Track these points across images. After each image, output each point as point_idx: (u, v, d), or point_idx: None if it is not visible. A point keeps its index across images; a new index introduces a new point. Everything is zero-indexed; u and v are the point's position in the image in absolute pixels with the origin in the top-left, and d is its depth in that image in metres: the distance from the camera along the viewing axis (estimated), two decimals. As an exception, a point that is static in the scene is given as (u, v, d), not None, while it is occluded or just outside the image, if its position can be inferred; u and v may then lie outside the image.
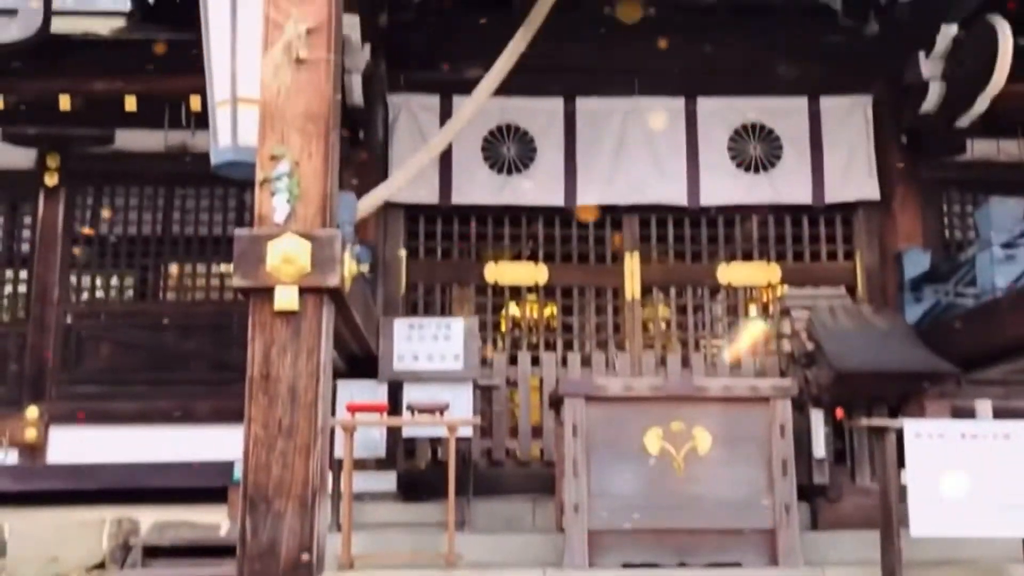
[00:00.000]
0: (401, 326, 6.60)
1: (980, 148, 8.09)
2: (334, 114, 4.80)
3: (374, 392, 6.51)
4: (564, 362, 7.73)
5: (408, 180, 6.56)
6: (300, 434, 4.48)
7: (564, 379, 6.43)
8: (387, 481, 6.99)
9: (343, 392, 6.47)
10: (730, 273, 8.12)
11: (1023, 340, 5.89)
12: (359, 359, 6.52)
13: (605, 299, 8.11)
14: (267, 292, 4.55)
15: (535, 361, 7.72)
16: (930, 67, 7.48)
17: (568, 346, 8.03)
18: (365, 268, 4.98)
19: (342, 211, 6.12)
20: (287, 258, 4.54)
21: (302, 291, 4.54)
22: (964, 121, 7.37)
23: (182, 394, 7.69)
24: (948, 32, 7.32)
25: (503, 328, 8.09)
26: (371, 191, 6.44)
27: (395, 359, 6.54)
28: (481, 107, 6.44)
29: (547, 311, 8.16)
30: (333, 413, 6.19)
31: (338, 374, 6.53)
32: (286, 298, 4.54)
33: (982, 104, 7.11)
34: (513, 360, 7.66)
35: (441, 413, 6.07)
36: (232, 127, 5.71)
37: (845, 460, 7.05)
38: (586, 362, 7.79)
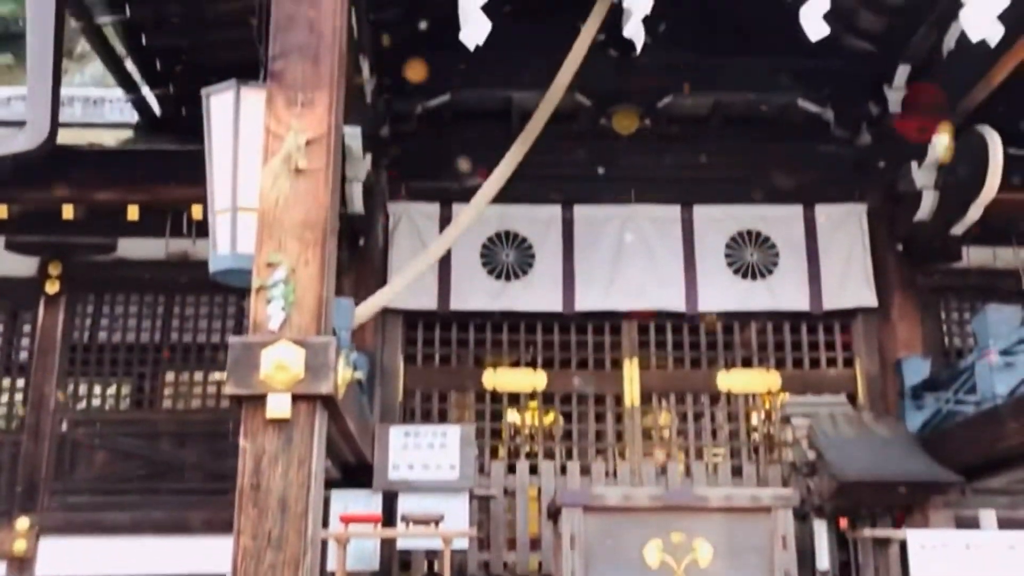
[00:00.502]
0: (397, 434, 6.54)
1: (976, 255, 8.15)
2: (331, 222, 4.85)
3: (368, 502, 6.42)
4: (563, 471, 7.65)
5: (406, 286, 6.59)
6: (290, 546, 4.38)
7: (562, 489, 6.33)
8: (381, 593, 6.83)
9: (337, 502, 6.39)
10: (730, 380, 8.08)
11: (1025, 448, 5.83)
12: (353, 467, 6.45)
13: (605, 406, 8.06)
14: (259, 400, 4.51)
15: (533, 470, 7.63)
16: (922, 176, 7.59)
17: (567, 454, 7.94)
18: (360, 375, 4.96)
19: (339, 317, 6.15)
20: (280, 365, 4.52)
21: (295, 399, 4.50)
22: (958, 229, 7.43)
23: (176, 504, 7.57)
24: (939, 142, 7.44)
25: (502, 436, 8.01)
26: (369, 297, 6.46)
27: (390, 468, 6.46)
28: (479, 214, 6.51)
29: (546, 418, 8.08)
30: (326, 524, 6.11)
31: (332, 483, 6.46)
32: (278, 406, 4.50)
33: (975, 212, 7.17)
34: (511, 469, 7.57)
35: (436, 524, 5.97)
36: (232, 235, 5.77)
37: (850, 572, 6.93)
38: (586, 471, 7.70)
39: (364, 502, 6.40)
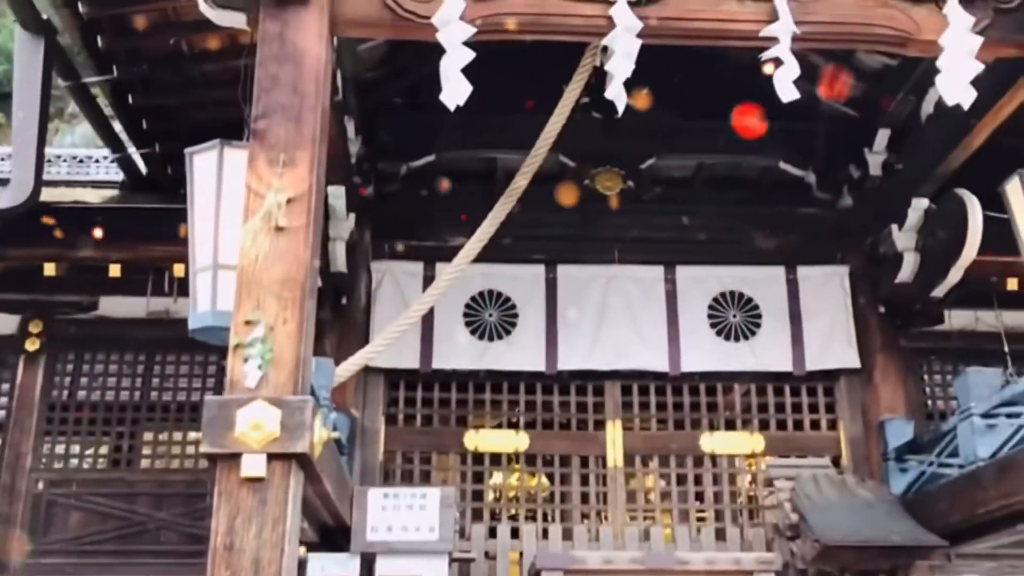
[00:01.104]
0: (375, 496, 6.46)
1: (959, 318, 8.18)
2: (311, 281, 4.85)
3: (346, 565, 6.31)
4: (545, 534, 7.54)
5: (387, 345, 6.56)
6: (261, 612, 4.31)
7: (542, 552, 6.25)
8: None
9: (314, 565, 6.28)
10: (713, 442, 8.03)
11: (1008, 511, 5.78)
12: (332, 530, 6.36)
13: (588, 468, 7.99)
14: (234, 459, 4.46)
15: (515, 533, 7.53)
16: (903, 239, 7.66)
17: (549, 517, 7.86)
18: (337, 435, 4.92)
19: (318, 376, 6.11)
20: (255, 424, 4.48)
21: (270, 458, 4.45)
22: (940, 291, 7.48)
23: (152, 567, 7.44)
24: (919, 205, 7.53)
25: (483, 498, 7.92)
26: (350, 357, 6.43)
27: (368, 530, 6.36)
28: (462, 273, 6.51)
29: (529, 480, 8.01)
30: (303, 587, 6.02)
31: (309, 545, 6.36)
32: (253, 465, 4.44)
33: (956, 275, 7.22)
34: (492, 532, 7.48)
35: (414, 586, 5.87)
36: (212, 292, 5.75)
37: (836, 638, 6.84)
38: (568, 534, 7.60)
39: (342, 565, 6.29)
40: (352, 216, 7.40)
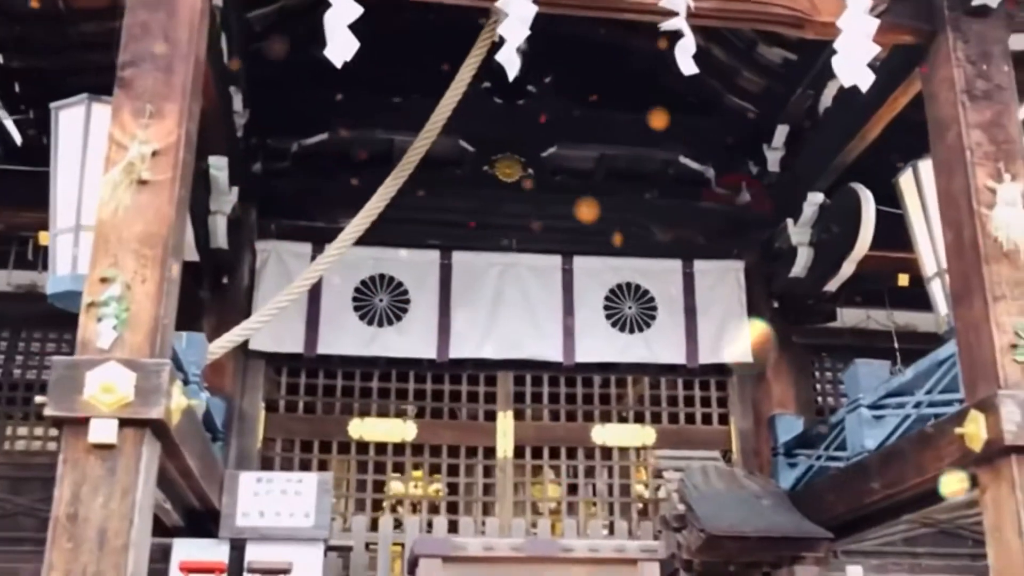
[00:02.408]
0: (248, 480, 6.11)
1: (850, 316, 8.24)
2: (175, 239, 4.54)
3: (214, 551, 5.94)
4: (429, 526, 7.30)
5: (264, 323, 6.26)
6: (106, 587, 3.99)
7: (420, 539, 6.00)
8: (227, 654, 6.32)
9: (180, 551, 5.90)
10: (605, 434, 7.89)
11: (893, 501, 5.74)
12: (200, 515, 6.00)
13: (476, 459, 7.77)
14: (82, 424, 4.13)
15: (399, 524, 7.26)
16: (798, 234, 7.66)
17: (435, 509, 7.61)
18: (196, 403, 4.59)
19: (189, 352, 5.80)
20: (107, 387, 4.15)
21: (122, 424, 4.13)
22: (832, 285, 7.47)
23: (8, 555, 6.94)
24: (814, 200, 7.52)
25: (366, 489, 7.61)
26: (224, 334, 6.11)
27: (239, 515, 6.01)
28: (348, 250, 6.24)
29: (415, 471, 7.74)
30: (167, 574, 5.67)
31: (176, 530, 6.02)
32: (102, 431, 4.11)
33: (848, 268, 7.22)
34: (375, 523, 7.19)
35: (284, 574, 5.55)
36: (73, 255, 5.41)
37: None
38: (454, 526, 7.36)
39: (210, 551, 5.92)
40: (235, 190, 7.07)
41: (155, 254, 4.43)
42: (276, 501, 6.10)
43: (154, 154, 4.58)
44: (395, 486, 7.76)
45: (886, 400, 6.15)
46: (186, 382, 5.69)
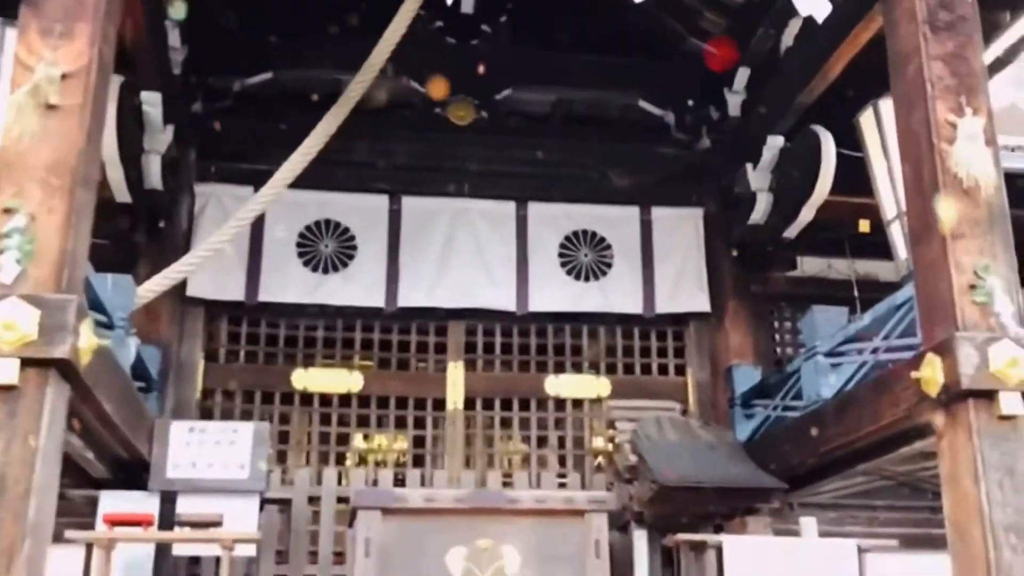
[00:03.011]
0: (179, 430, 5.84)
1: (811, 265, 8.04)
2: (86, 168, 4.22)
3: (143, 504, 5.68)
4: (375, 480, 7.08)
5: (193, 267, 5.95)
6: (4, 534, 3.72)
7: (359, 491, 5.76)
8: (160, 608, 6.09)
9: (107, 503, 5.65)
10: (559, 385, 7.68)
11: (848, 450, 5.56)
12: (128, 466, 5.74)
13: (425, 410, 7.53)
14: (-20, 365, 3.85)
15: (343, 478, 7.03)
16: (757, 179, 7.43)
17: (382, 462, 7.38)
18: (110, 344, 4.30)
19: (115, 294, 5.50)
20: (8, 324, 3.85)
21: (24, 363, 3.85)
22: (791, 232, 7.26)
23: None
24: (774, 143, 7.30)
25: (310, 441, 7.37)
26: (153, 276, 5.81)
27: (169, 466, 5.76)
28: (280, 191, 5.94)
29: (361, 423, 7.48)
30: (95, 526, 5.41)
31: (102, 482, 5.75)
32: (2, 370, 3.83)
33: (808, 214, 7.01)
34: (319, 477, 6.96)
35: (214, 527, 5.30)
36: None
37: (675, 587, 6.57)
38: (401, 479, 7.15)
39: (138, 504, 5.67)
40: (171, 129, 6.74)
41: (63, 184, 4.12)
42: (209, 452, 5.85)
43: (63, 77, 4.25)
44: (341, 439, 7.48)
45: (843, 347, 5.97)
46: (111, 326, 5.42)
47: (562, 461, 7.61)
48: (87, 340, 4.06)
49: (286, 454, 7.35)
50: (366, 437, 7.48)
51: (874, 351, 5.61)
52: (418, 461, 7.40)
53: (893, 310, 5.43)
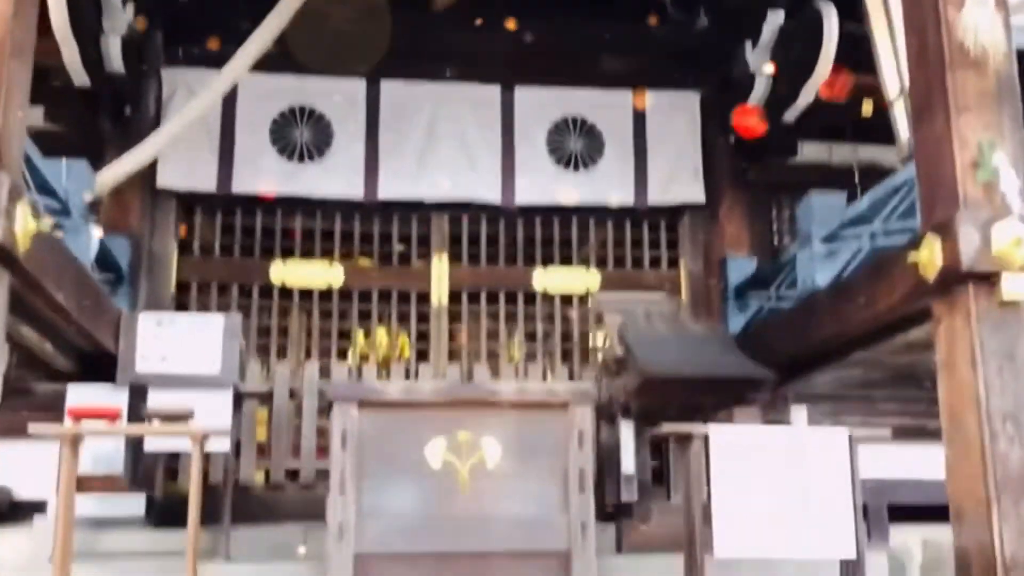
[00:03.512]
0: (147, 322, 5.63)
1: (811, 151, 7.69)
2: (16, 38, 3.90)
3: (112, 398, 5.51)
4: (359, 374, 6.90)
5: (154, 152, 5.67)
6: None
7: (334, 384, 5.57)
8: (136, 505, 5.98)
9: (73, 397, 5.48)
10: (546, 279, 7.43)
11: (842, 339, 5.33)
12: (94, 360, 5.55)
13: (409, 305, 7.31)
14: (-97, 250, 3.61)
15: (325, 372, 6.84)
16: (756, 58, 7.05)
17: (364, 357, 7.18)
18: (49, 224, 4.02)
19: (71, 181, 5.25)
20: (-66, 206, 3.61)
21: (-47, 249, 3.62)
22: (791, 115, 6.92)
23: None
24: (775, 20, 6.89)
25: (289, 336, 7.17)
26: (113, 162, 5.52)
27: (138, 359, 5.56)
28: (243, 70, 5.62)
29: (342, 318, 7.25)
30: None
31: (68, 375, 5.57)
32: (-69, 255, 3.60)
33: (808, 95, 6.67)
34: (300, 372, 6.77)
35: (183, 420, 5.12)
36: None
37: (664, 479, 6.44)
38: (385, 374, 6.96)
39: (106, 397, 5.49)
40: (131, 7, 6.36)
41: (-9, 55, 3.81)
42: (179, 345, 5.64)
43: (-12, -61, 3.91)
44: (321, 334, 7.28)
45: (840, 232, 5.69)
46: (67, 213, 5.17)
47: (549, 356, 7.41)
48: (25, 224, 3.80)
49: (268, 349, 7.16)
50: (348, 333, 7.24)
51: (872, 236, 5.33)
52: (393, 355, 7.20)
53: (892, 192, 5.14)
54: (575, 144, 7.47)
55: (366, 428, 5.22)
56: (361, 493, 5.13)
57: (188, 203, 7.06)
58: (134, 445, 5.63)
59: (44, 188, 4.87)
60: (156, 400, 5.55)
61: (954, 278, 4.07)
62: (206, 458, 6.24)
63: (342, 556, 5.02)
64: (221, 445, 5.50)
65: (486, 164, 7.30)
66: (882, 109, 6.22)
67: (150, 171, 6.79)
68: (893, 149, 6.28)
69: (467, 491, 5.20)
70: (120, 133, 6.66)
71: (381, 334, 7.57)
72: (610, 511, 6.17)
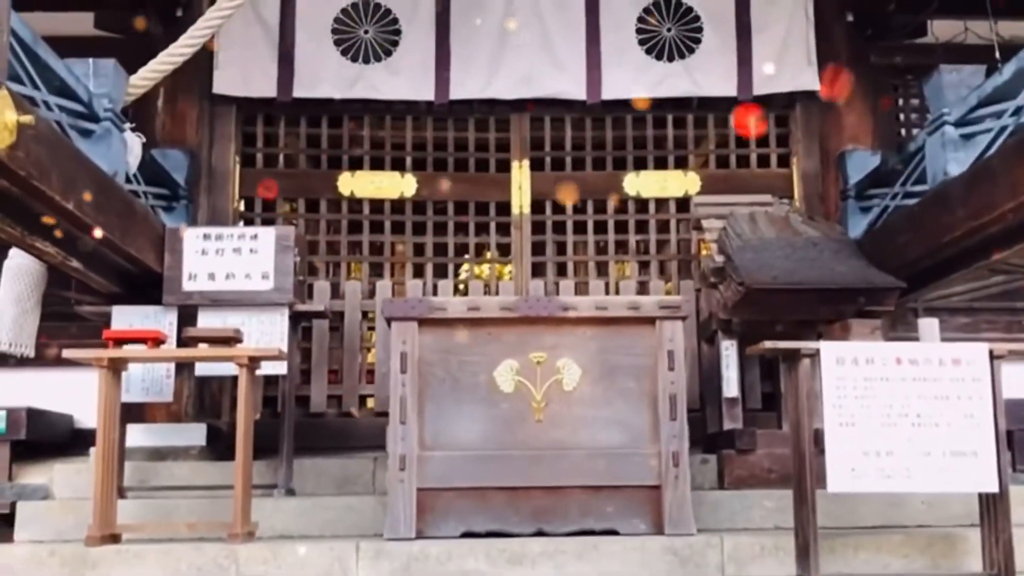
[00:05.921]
0: (193, 237, 5.18)
1: (943, 29, 6.73)
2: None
3: (159, 320, 5.13)
4: (435, 291, 6.38)
5: (191, 49, 5.13)
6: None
7: (389, 301, 5.02)
8: (196, 434, 5.62)
9: (118, 320, 5.11)
10: (639, 183, 6.71)
11: (980, 236, 4.51)
12: (141, 280, 5.15)
13: (488, 215, 6.71)
14: None
15: (398, 290, 6.35)
16: (880, -84, 6.09)
17: (440, 272, 6.65)
18: (29, 119, 3.51)
19: (99, 83, 4.78)
20: (-102, 97, 3.16)
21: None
22: (918, -15, 5.96)
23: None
24: None
25: (361, 251, 6.65)
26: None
27: (185, 278, 5.13)
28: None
29: (417, 230, 6.69)
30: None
31: (112, 297, 5.19)
32: None
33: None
34: (372, 291, 6.30)
35: (232, 343, 4.67)
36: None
37: (776, 405, 5.75)
38: (462, 291, 6.43)
39: (154, 320, 5.11)
40: None
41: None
42: (229, 261, 5.20)
43: None
44: (393, 247, 6.77)
45: (977, 111, 4.80)
46: (95, 119, 4.72)
47: (643, 268, 6.73)
48: (5, 120, 3.33)
49: (338, 266, 6.68)
50: (420, 245, 6.66)
51: (1017, 112, 4.44)
52: (473, 271, 6.64)
53: (1044, 57, 4.24)
54: (669, 30, 6.65)
55: (428, 350, 4.69)
56: (424, 422, 4.63)
57: (248, 111, 6.57)
58: (187, 371, 5.24)
59: (63, 91, 4.42)
60: (206, 322, 5.13)
61: None
62: (264, 383, 5.89)
63: (405, 491, 4.54)
64: (278, 368, 5.05)
65: (568, 58, 6.56)
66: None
67: (207, 78, 6.34)
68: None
69: (542, 418, 4.64)
70: (172, 37, 6.12)
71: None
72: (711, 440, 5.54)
